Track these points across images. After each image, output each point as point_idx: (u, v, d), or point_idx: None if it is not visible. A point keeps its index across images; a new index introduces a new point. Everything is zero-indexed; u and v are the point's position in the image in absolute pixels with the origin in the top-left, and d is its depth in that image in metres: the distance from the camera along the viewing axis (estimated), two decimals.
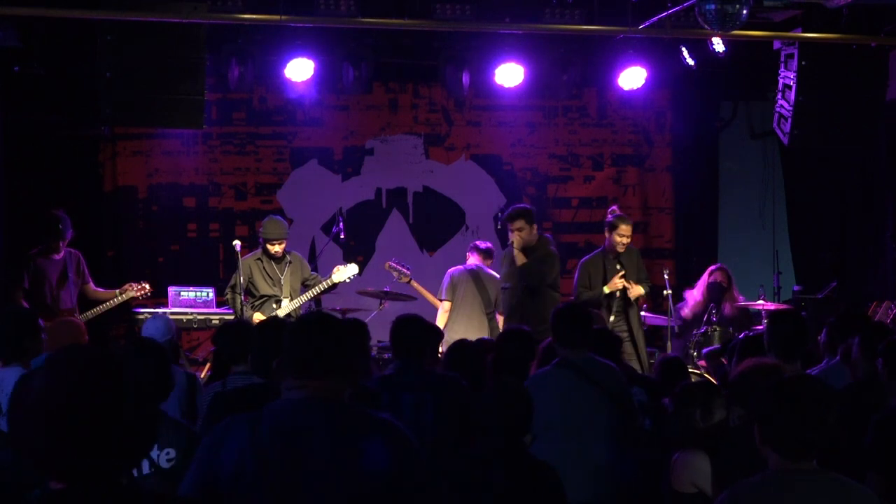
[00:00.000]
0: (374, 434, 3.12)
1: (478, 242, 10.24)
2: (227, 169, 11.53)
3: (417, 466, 3.16)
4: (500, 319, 9.59)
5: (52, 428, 2.10)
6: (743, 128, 12.44)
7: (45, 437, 2.10)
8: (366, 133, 11.80)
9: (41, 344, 5.56)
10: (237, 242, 9.44)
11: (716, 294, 10.06)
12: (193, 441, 4.27)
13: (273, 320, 6.54)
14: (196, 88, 8.86)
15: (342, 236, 10.32)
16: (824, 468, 3.44)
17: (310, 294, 9.46)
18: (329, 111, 11.65)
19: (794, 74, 9.61)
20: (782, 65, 9.82)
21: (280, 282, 9.42)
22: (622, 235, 9.46)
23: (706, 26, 8.11)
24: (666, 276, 9.79)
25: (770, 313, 7.50)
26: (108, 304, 9.48)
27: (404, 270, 10.08)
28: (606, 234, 9.57)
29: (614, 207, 10.03)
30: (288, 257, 9.51)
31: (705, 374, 8.60)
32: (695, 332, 9.87)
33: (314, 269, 9.97)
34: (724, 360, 8.38)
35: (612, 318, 9.32)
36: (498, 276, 9.75)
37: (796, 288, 11.56)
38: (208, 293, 9.91)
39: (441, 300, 9.81)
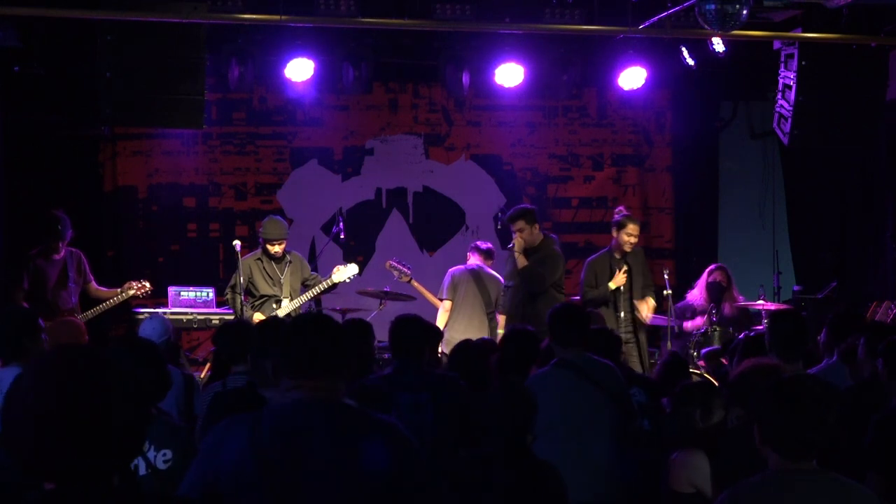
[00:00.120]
0: (374, 434, 3.13)
1: (478, 243, 10.24)
2: (227, 169, 11.54)
3: (417, 466, 3.17)
4: (500, 319, 9.58)
5: (39, 428, 2.10)
6: (743, 128, 12.44)
7: (33, 438, 2.10)
8: (366, 133, 11.80)
9: (41, 344, 5.55)
10: (237, 242, 9.44)
11: (715, 294, 10.05)
12: (190, 442, 4.27)
13: (273, 320, 6.55)
14: (196, 88, 8.86)
15: (342, 236, 10.33)
16: (824, 468, 3.44)
17: (310, 294, 9.46)
18: (329, 111, 11.66)
19: (794, 74, 9.61)
20: (782, 65, 9.82)
21: (280, 282, 9.42)
22: (630, 235, 9.46)
23: (706, 26, 8.11)
24: (666, 276, 9.79)
25: (771, 313, 7.51)
26: (109, 304, 9.48)
27: (405, 270, 10.09)
28: (614, 234, 9.56)
29: (621, 207, 10.04)
30: (288, 257, 9.51)
31: (705, 375, 8.60)
32: (695, 332, 9.86)
33: (314, 269, 9.97)
34: (723, 360, 8.39)
35: (622, 315, 9.31)
36: (498, 276, 9.75)
37: (796, 288, 11.56)
38: (208, 293, 9.91)
39: (442, 299, 9.81)
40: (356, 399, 4.37)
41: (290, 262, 9.51)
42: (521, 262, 9.22)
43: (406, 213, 11.90)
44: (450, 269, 9.97)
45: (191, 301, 9.83)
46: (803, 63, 9.58)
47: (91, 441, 2.11)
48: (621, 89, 10.48)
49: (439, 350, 6.88)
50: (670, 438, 5.07)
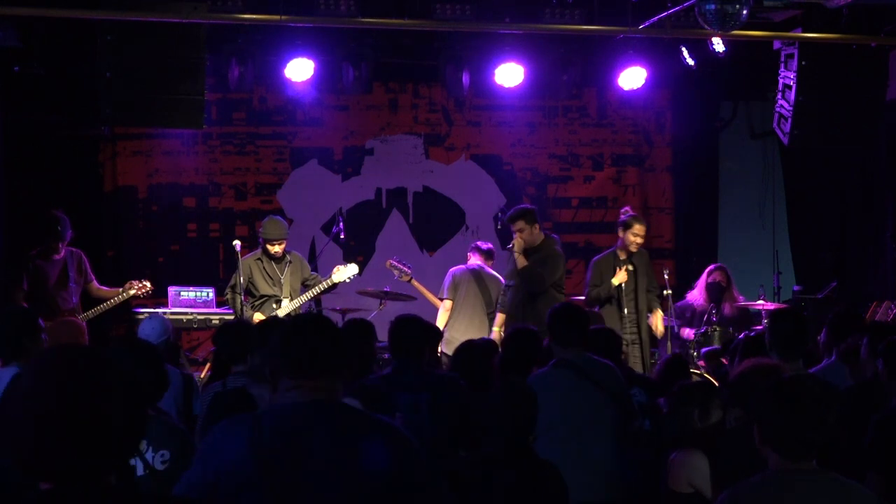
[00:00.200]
0: (374, 434, 3.13)
1: (479, 243, 10.25)
2: (227, 169, 11.54)
3: (417, 467, 3.17)
4: (499, 317, 9.52)
5: (36, 428, 2.09)
6: (743, 128, 12.43)
7: (29, 438, 2.10)
8: (366, 133, 11.81)
9: (41, 343, 5.55)
10: (237, 242, 9.44)
11: (715, 294, 10.05)
12: (188, 443, 4.26)
13: (273, 320, 6.55)
14: (196, 88, 8.86)
15: (342, 236, 10.33)
16: (824, 468, 3.44)
17: (310, 294, 9.46)
18: (329, 111, 11.66)
19: (794, 74, 9.61)
20: (782, 65, 9.82)
21: (280, 282, 9.42)
22: (636, 235, 9.47)
23: (706, 26, 8.11)
24: (666, 276, 9.79)
25: (771, 312, 7.50)
26: (111, 303, 9.48)
27: (405, 269, 10.09)
28: (620, 234, 9.56)
29: (627, 208, 10.05)
30: (288, 257, 9.51)
31: (705, 375, 8.59)
32: (695, 332, 9.86)
33: (314, 269, 9.97)
34: (724, 360, 8.39)
35: (625, 312, 9.31)
36: (499, 276, 9.75)
37: (796, 288, 11.56)
38: (208, 293, 9.91)
39: (442, 299, 9.81)
40: (359, 399, 4.39)
41: (290, 262, 9.51)
42: (521, 262, 9.21)
43: (406, 213, 11.90)
44: (451, 269, 9.98)
45: (191, 301, 9.83)
46: (803, 63, 9.58)
47: (87, 441, 2.10)
48: (621, 89, 10.48)
49: (439, 350, 6.87)
50: (669, 438, 5.06)
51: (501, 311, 9.48)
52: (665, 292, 9.73)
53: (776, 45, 9.90)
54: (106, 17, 8.65)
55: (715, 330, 9.77)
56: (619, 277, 9.37)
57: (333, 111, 11.67)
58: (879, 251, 11.25)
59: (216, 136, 11.43)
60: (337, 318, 9.45)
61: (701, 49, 10.03)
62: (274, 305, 9.36)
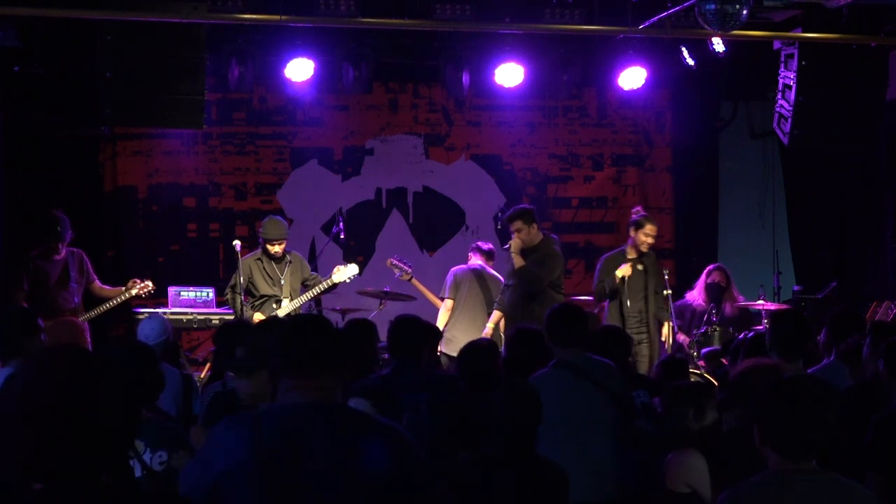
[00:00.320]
0: (373, 435, 3.13)
1: (479, 243, 10.25)
2: (227, 169, 11.54)
3: (417, 467, 3.17)
4: (494, 314, 9.50)
5: (28, 428, 2.09)
6: (743, 128, 12.43)
7: (22, 437, 2.10)
8: (366, 133, 11.80)
9: (40, 343, 5.55)
10: (237, 242, 9.44)
11: (714, 294, 10.05)
12: (186, 443, 4.26)
13: (273, 320, 6.55)
14: (196, 88, 8.86)
15: (342, 236, 10.33)
16: (824, 468, 3.43)
17: (310, 294, 9.46)
18: (329, 111, 11.66)
19: (794, 74, 9.61)
20: (782, 65, 9.82)
21: (280, 282, 9.42)
22: (648, 235, 9.47)
23: (706, 26, 8.11)
24: (666, 276, 9.79)
25: (771, 313, 7.51)
26: (112, 303, 9.48)
27: (405, 268, 10.10)
28: (631, 233, 9.56)
29: (638, 208, 10.05)
30: (288, 257, 9.51)
31: (705, 375, 8.59)
32: (695, 332, 9.86)
33: (314, 269, 9.97)
34: (724, 360, 8.38)
35: (628, 304, 9.31)
36: (500, 276, 9.75)
37: (796, 288, 11.55)
38: (208, 293, 9.91)
39: (444, 298, 9.81)
40: (367, 400, 4.39)
41: (290, 262, 9.51)
42: (518, 262, 9.20)
43: (406, 213, 11.90)
44: (452, 269, 9.98)
45: (191, 301, 9.83)
46: (803, 63, 9.58)
47: (78, 440, 2.10)
48: (621, 89, 10.48)
49: (438, 350, 6.87)
50: (665, 439, 5.06)
51: (498, 310, 9.47)
52: (665, 292, 9.73)
53: (776, 45, 9.90)
54: (106, 17, 8.65)
55: (715, 330, 9.76)
56: (623, 270, 9.37)
57: (333, 111, 11.67)
58: (879, 251, 11.25)
59: (216, 136, 11.43)
60: (337, 318, 9.46)
61: (701, 49, 10.03)
62: (274, 305, 9.36)
